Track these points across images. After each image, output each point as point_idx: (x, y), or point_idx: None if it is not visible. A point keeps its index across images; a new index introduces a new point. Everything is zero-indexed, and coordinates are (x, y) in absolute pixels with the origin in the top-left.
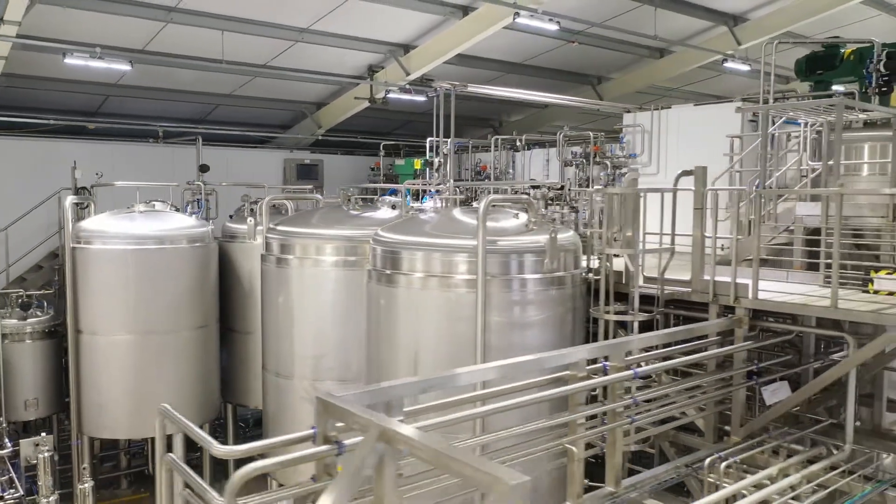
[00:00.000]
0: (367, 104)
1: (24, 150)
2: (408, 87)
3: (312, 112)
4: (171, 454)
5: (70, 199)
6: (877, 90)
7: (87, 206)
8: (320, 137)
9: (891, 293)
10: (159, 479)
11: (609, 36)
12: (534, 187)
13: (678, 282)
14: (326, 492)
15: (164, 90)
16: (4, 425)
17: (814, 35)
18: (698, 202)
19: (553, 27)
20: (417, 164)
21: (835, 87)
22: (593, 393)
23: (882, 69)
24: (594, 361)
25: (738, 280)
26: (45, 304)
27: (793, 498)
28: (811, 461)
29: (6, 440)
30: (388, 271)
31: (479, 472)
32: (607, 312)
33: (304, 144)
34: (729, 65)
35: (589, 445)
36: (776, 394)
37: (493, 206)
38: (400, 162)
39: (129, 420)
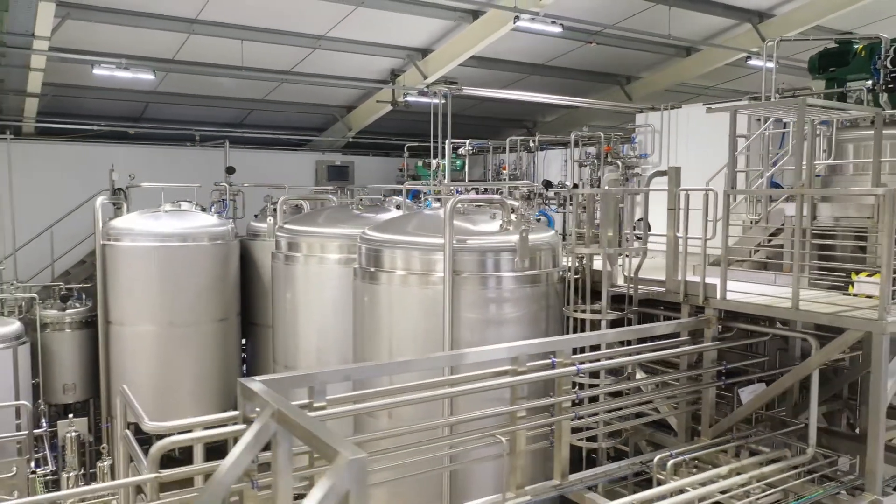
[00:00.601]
0: (390, 107)
1: (71, 154)
2: (426, 90)
3: (343, 115)
4: (127, 430)
5: (100, 200)
6: (884, 87)
7: (121, 206)
8: (351, 140)
9: (869, 296)
10: (117, 450)
11: (628, 35)
12: (514, 188)
13: (654, 282)
14: (225, 461)
15: (200, 97)
16: (43, 407)
17: (851, 29)
18: (671, 203)
19: (556, 30)
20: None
21: (850, 85)
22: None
23: (889, 65)
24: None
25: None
26: (85, 296)
27: (740, 497)
28: (773, 461)
29: (43, 421)
30: (371, 269)
31: (329, 447)
32: (576, 311)
33: (336, 147)
34: (753, 62)
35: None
36: (752, 395)
37: (477, 206)
38: (420, 164)
39: (154, 406)
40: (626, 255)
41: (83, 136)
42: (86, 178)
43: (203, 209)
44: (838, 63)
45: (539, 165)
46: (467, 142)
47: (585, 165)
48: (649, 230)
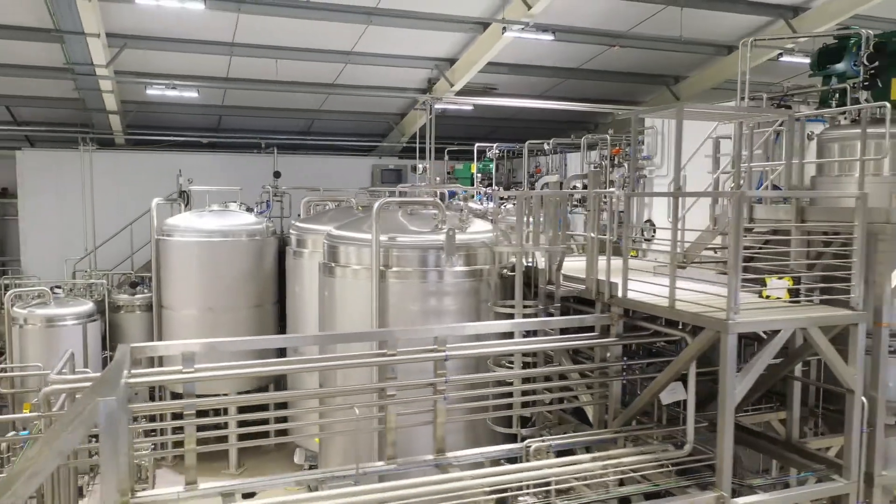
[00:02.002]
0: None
1: (151, 162)
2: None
3: (397, 122)
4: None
5: (155, 201)
6: (862, 84)
7: (180, 206)
8: (405, 144)
9: (779, 298)
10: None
11: (642, 37)
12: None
13: (579, 280)
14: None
15: (264, 108)
16: None
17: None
18: (591, 204)
19: (548, 38)
20: (473, 168)
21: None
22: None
23: (866, 62)
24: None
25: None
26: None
27: (596, 484)
28: (648, 453)
29: None
30: (331, 264)
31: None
32: (496, 305)
33: (395, 151)
34: (786, 59)
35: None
36: (672, 394)
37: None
38: (459, 166)
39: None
40: (548, 253)
41: (163, 146)
42: (164, 182)
43: (249, 209)
44: (833, 59)
45: (570, 166)
46: (494, 145)
47: (598, 167)
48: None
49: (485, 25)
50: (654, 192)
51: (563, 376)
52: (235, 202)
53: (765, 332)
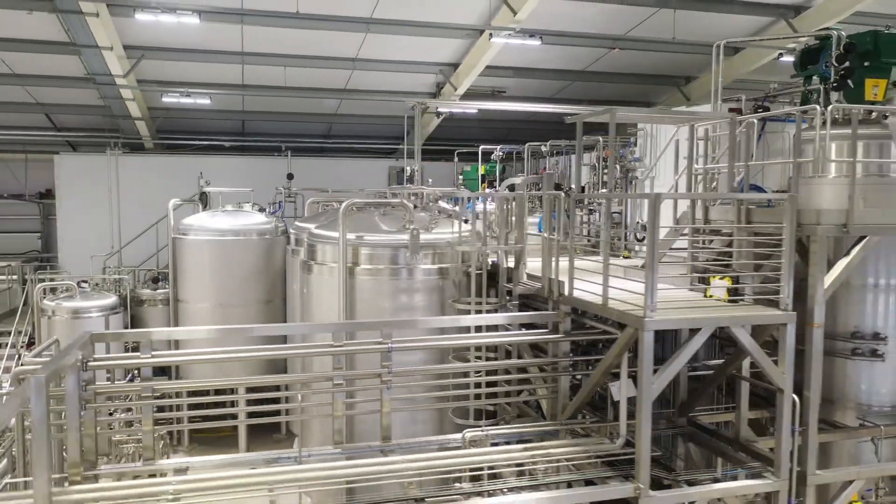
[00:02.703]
0: (436, 118)
1: (179, 165)
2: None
3: (412, 125)
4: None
5: (172, 202)
6: (832, 86)
7: (205, 206)
8: (422, 147)
9: (719, 298)
10: None
11: (639, 40)
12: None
13: (538, 279)
14: None
15: (287, 113)
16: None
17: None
18: (547, 207)
19: (535, 43)
20: (482, 169)
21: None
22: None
23: (836, 63)
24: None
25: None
26: None
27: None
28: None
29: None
30: (309, 262)
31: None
32: (456, 302)
33: (412, 153)
34: (786, 59)
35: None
36: (625, 390)
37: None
38: (467, 168)
39: (212, 374)
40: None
41: (189, 150)
42: (189, 185)
43: (261, 210)
44: (812, 60)
45: (573, 167)
46: (498, 147)
47: (595, 168)
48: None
49: (480, 32)
50: (600, 194)
51: (521, 370)
52: (249, 203)
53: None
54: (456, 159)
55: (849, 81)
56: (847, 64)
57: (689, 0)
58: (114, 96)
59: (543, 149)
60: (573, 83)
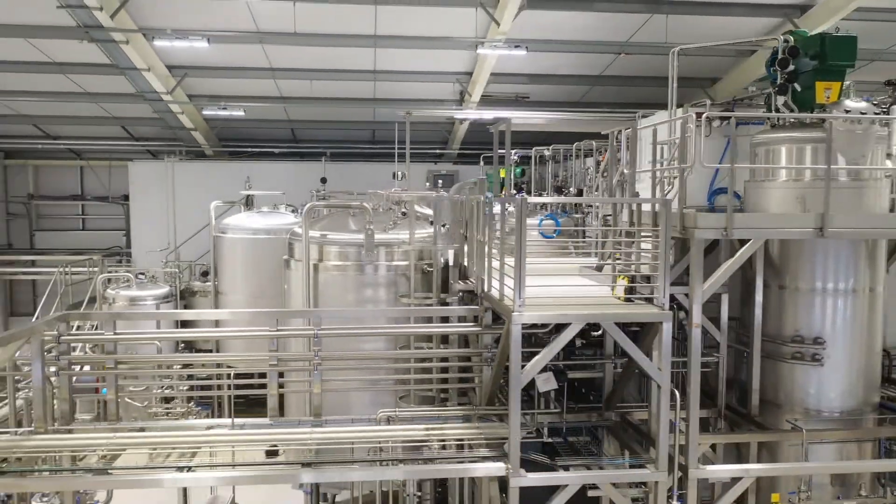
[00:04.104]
0: (463, 122)
1: (234, 170)
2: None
3: (449, 131)
4: None
5: (213, 204)
6: (775, 90)
7: (248, 207)
8: (459, 151)
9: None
10: None
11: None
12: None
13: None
14: None
15: (332, 122)
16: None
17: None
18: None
19: (521, 53)
20: (502, 172)
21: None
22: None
23: (778, 67)
24: None
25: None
26: None
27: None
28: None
29: None
30: (288, 259)
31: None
32: (400, 297)
33: (451, 157)
34: None
35: None
36: (546, 383)
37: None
38: (490, 171)
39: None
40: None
41: (243, 157)
42: (239, 188)
43: (294, 211)
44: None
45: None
46: (513, 152)
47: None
48: None
49: (474, 45)
50: (501, 198)
51: (443, 359)
52: (283, 205)
53: None
54: (482, 163)
55: (795, 85)
56: (792, 68)
57: (685, 4)
58: (165, 110)
59: (546, 153)
60: (592, 88)
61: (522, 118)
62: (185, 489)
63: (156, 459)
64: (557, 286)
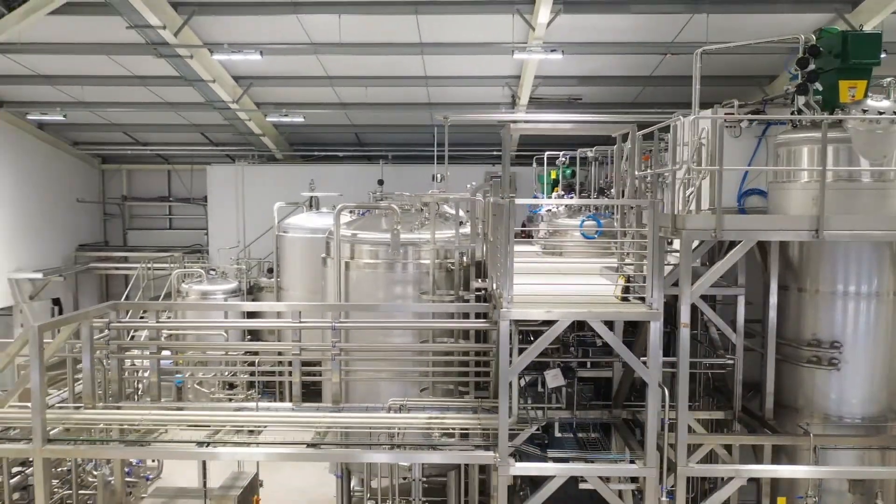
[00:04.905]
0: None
1: (299, 173)
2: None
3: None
4: None
5: (276, 205)
6: (795, 90)
7: (312, 208)
8: (518, 152)
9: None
10: None
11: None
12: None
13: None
14: None
15: (393, 126)
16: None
17: None
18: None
19: (557, 57)
20: (553, 174)
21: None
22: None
23: (797, 66)
24: None
25: None
26: None
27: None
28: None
29: None
30: (325, 257)
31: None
32: (422, 294)
33: (512, 160)
34: None
35: None
36: (555, 379)
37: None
38: (542, 172)
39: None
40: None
41: (311, 160)
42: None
43: (351, 212)
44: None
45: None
46: (561, 153)
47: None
48: None
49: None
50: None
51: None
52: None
53: None
54: (534, 164)
55: (817, 85)
56: (812, 67)
57: (725, 3)
58: (233, 118)
59: (589, 154)
60: (644, 89)
61: (525, 122)
62: (204, 463)
63: (185, 434)
64: (563, 285)
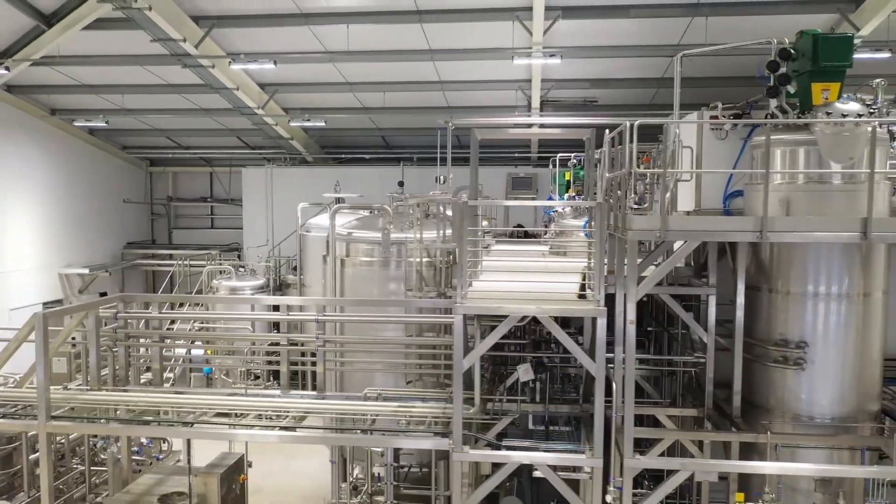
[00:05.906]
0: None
1: (325, 175)
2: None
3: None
4: None
5: (300, 206)
6: (766, 92)
7: (337, 210)
8: (538, 154)
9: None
10: None
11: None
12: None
13: None
14: None
15: (417, 129)
16: None
17: None
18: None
19: (556, 62)
20: (567, 175)
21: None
22: None
23: (767, 70)
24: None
25: None
26: None
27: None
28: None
29: None
30: (325, 255)
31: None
32: (408, 290)
33: (534, 162)
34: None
35: None
36: (526, 373)
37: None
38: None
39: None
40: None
41: (338, 162)
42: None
43: (371, 212)
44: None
45: None
46: (573, 155)
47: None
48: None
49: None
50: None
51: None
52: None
53: None
54: (550, 166)
55: (788, 87)
56: (783, 70)
57: (723, 6)
58: (261, 123)
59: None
60: (659, 90)
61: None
62: (188, 442)
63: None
64: (534, 282)
